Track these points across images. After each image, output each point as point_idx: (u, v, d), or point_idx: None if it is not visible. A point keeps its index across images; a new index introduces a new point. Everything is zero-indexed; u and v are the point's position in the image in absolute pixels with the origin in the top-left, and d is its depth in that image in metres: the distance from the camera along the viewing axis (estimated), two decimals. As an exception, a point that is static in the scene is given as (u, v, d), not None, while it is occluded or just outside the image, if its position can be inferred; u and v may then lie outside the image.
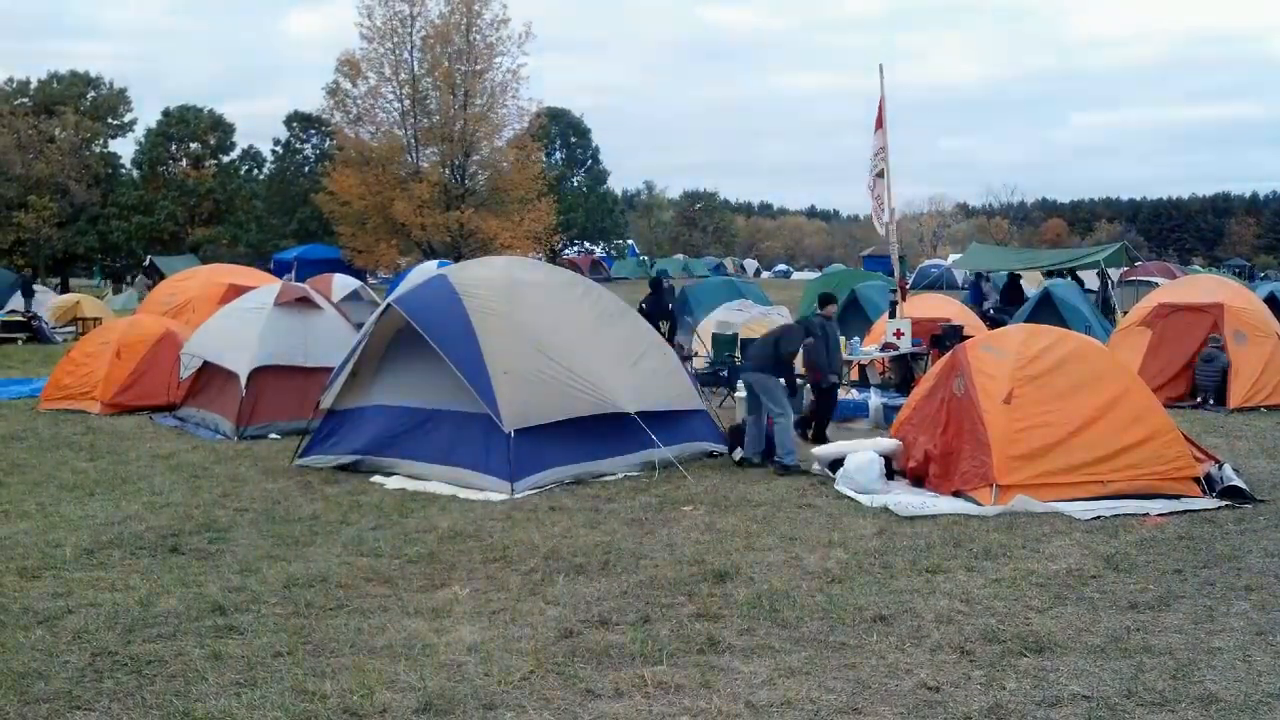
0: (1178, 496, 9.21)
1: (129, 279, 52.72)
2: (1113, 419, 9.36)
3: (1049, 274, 28.67)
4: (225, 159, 65.37)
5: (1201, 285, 17.86)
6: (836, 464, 10.32)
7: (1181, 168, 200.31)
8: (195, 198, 61.09)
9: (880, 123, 16.34)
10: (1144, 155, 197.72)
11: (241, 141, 66.71)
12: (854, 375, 16.61)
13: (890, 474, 10.16)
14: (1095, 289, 28.13)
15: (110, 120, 61.89)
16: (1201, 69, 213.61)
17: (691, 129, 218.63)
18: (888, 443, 10.43)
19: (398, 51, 41.83)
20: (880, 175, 16.25)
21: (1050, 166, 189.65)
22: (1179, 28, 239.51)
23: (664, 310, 19.82)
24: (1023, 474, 9.06)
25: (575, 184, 75.02)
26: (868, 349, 16.49)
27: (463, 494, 9.69)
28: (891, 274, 19.51)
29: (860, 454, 10.04)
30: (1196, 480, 9.38)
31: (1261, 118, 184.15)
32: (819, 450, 10.83)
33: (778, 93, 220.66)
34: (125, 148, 65.43)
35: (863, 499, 9.46)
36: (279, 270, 38.61)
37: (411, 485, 10.07)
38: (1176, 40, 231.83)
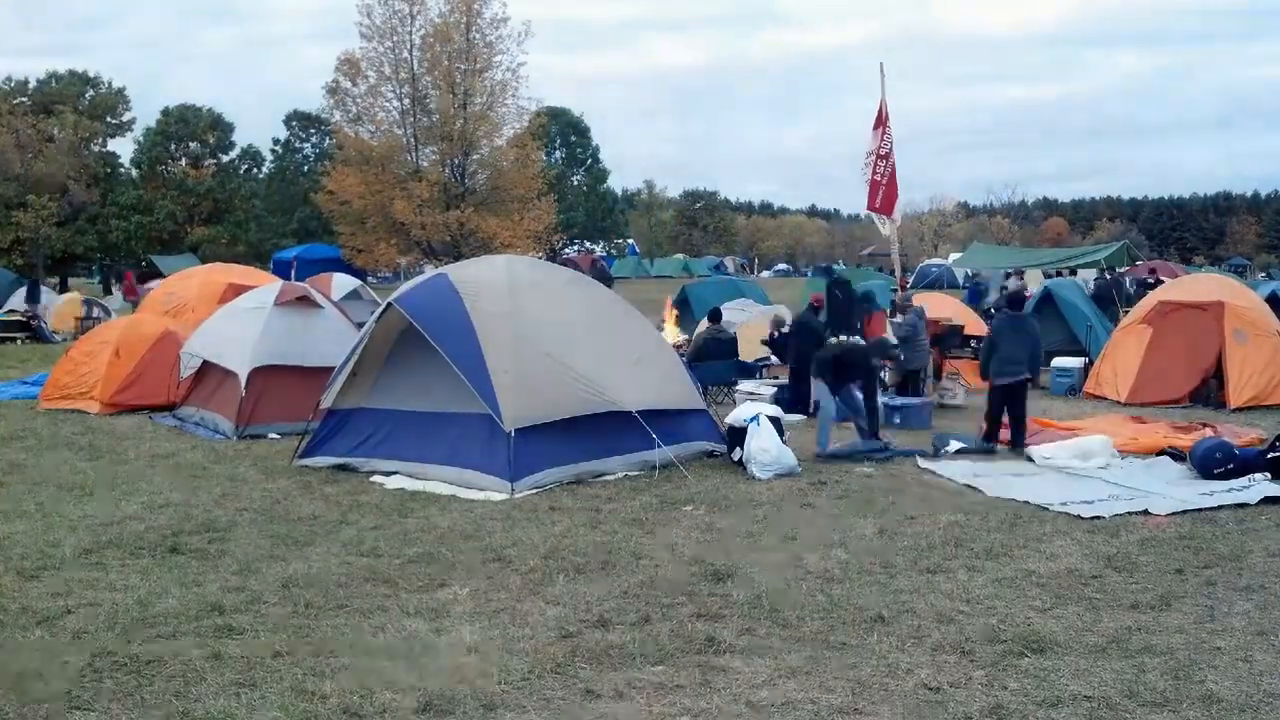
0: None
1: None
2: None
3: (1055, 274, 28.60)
4: (225, 158, 65.32)
5: (1202, 284, 17.85)
6: (736, 439, 10.90)
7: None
8: (195, 197, 61.01)
9: (879, 121, 16.37)
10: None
11: (241, 140, 66.76)
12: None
13: (781, 432, 10.87)
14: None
15: (109, 119, 61.82)
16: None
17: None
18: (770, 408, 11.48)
19: (397, 50, 41.71)
20: (886, 158, 16.36)
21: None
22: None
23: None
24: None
25: (575, 183, 74.94)
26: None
27: (463, 494, 9.68)
28: (892, 273, 19.47)
29: (756, 439, 10.64)
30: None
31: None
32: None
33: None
34: (124, 147, 65.27)
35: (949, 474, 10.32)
36: (279, 270, 38.58)
37: (411, 485, 10.06)
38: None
